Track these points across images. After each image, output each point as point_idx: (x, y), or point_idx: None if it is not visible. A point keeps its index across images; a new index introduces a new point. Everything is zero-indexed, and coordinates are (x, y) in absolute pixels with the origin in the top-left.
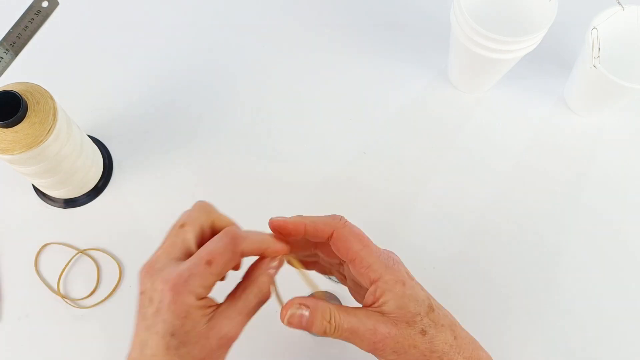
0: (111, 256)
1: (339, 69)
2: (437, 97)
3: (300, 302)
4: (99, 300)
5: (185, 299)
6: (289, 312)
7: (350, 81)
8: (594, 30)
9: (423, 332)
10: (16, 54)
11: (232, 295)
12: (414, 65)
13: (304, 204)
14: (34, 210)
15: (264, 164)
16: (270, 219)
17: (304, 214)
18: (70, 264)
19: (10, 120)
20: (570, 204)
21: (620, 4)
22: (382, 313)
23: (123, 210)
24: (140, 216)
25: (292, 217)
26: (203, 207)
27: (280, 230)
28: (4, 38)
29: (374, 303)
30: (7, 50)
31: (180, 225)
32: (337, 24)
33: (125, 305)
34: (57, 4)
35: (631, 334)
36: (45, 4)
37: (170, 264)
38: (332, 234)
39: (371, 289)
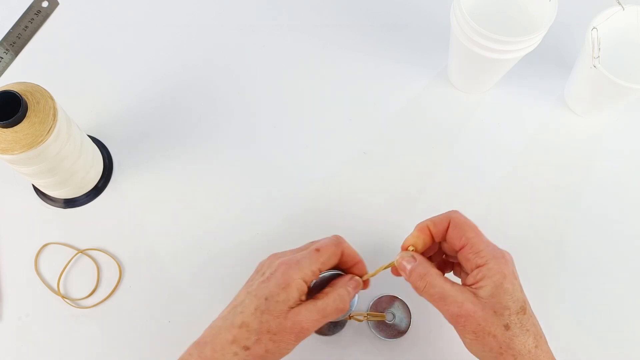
0: (111, 256)
1: (339, 69)
2: (437, 97)
3: (413, 254)
4: (99, 300)
5: (292, 274)
6: (401, 254)
7: (350, 81)
8: (594, 30)
9: (507, 327)
10: (16, 54)
11: (316, 296)
12: (414, 65)
13: (304, 204)
14: (34, 210)
15: (264, 163)
16: (396, 262)
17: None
18: (70, 264)
19: (10, 120)
20: (570, 204)
21: (620, 4)
22: (476, 295)
23: (123, 210)
24: (140, 216)
25: (416, 228)
26: (337, 240)
27: (415, 242)
28: (4, 38)
29: (472, 284)
30: (7, 50)
31: (316, 249)
32: (337, 24)
33: (125, 305)
34: (57, 4)
35: (632, 334)
36: (45, 4)
37: (291, 255)
38: (449, 223)
39: (474, 272)
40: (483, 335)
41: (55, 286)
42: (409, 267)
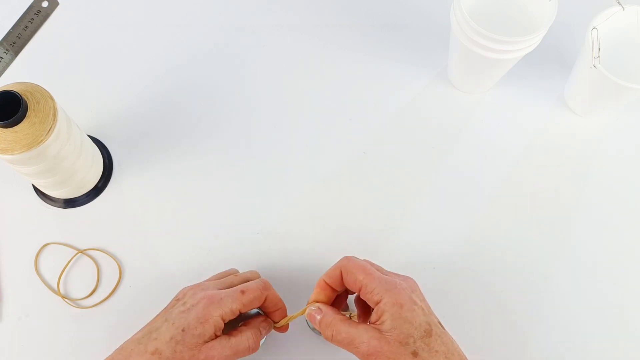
0: (111, 256)
1: (339, 69)
2: (437, 97)
3: (319, 306)
4: (99, 300)
5: (212, 311)
6: (309, 308)
7: (350, 81)
8: (594, 30)
9: (414, 354)
10: (16, 54)
11: (230, 333)
12: (414, 66)
13: (304, 204)
14: (34, 210)
15: (263, 163)
16: (310, 305)
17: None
18: (70, 264)
19: (10, 120)
20: (570, 203)
21: (620, 4)
22: (380, 330)
23: (123, 210)
24: (140, 216)
25: (316, 288)
26: (265, 287)
27: (318, 298)
28: (4, 38)
29: (376, 322)
30: (7, 50)
31: (242, 291)
32: (337, 24)
33: (125, 305)
34: (57, 4)
35: (632, 334)
36: (45, 4)
37: (215, 290)
38: (341, 272)
39: (375, 309)
40: None
41: (55, 286)
42: (318, 317)
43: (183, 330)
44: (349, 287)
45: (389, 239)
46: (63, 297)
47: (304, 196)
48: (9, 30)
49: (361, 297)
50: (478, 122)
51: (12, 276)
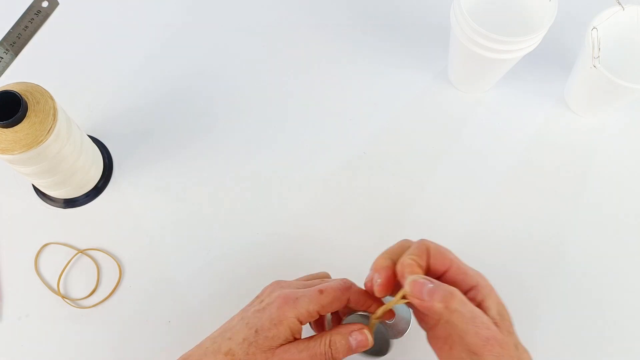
0: (111, 256)
1: (339, 69)
2: (437, 97)
3: (424, 276)
4: (99, 300)
5: (287, 312)
6: (414, 277)
7: (350, 81)
8: (594, 30)
9: (516, 346)
10: (16, 54)
11: (309, 337)
12: (414, 66)
13: (304, 204)
14: (34, 210)
15: (263, 164)
16: (409, 283)
17: (383, 250)
18: (70, 264)
19: (10, 120)
20: (570, 203)
21: (620, 4)
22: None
23: (123, 210)
24: (140, 216)
25: (378, 261)
26: (345, 286)
27: (389, 282)
28: (4, 38)
29: (479, 306)
30: (7, 50)
31: (320, 290)
32: (337, 24)
33: (125, 305)
34: (57, 4)
35: (633, 333)
36: (45, 4)
37: (293, 289)
38: (429, 251)
39: (471, 294)
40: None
41: (55, 286)
42: (429, 285)
43: (256, 332)
44: (434, 267)
45: (389, 239)
46: (63, 297)
47: (304, 196)
48: (9, 30)
49: (450, 276)
50: (478, 122)
51: (12, 276)
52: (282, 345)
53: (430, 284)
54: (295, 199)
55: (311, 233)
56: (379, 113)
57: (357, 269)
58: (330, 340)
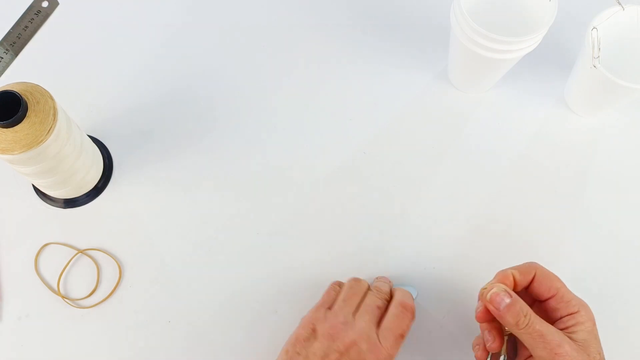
0: (111, 256)
1: (339, 69)
2: (437, 97)
3: (506, 289)
4: (99, 300)
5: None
6: (495, 289)
7: (350, 81)
8: (594, 30)
9: None
10: (16, 54)
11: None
12: (413, 65)
13: (304, 204)
14: (34, 210)
15: (263, 164)
16: (490, 293)
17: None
18: (70, 264)
19: (10, 120)
20: (570, 203)
21: (620, 4)
22: (571, 338)
23: (123, 210)
24: (140, 216)
25: (496, 277)
26: (409, 307)
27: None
28: (4, 38)
29: (564, 329)
30: (7, 50)
31: (400, 335)
32: (337, 24)
33: (125, 305)
34: (57, 4)
35: (633, 333)
36: (45, 4)
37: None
38: (534, 275)
39: (565, 319)
40: None
41: (55, 286)
42: (507, 300)
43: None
44: (537, 292)
45: (389, 239)
46: (63, 297)
47: (304, 196)
48: (9, 30)
49: (552, 303)
50: (478, 122)
51: (12, 276)
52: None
53: (509, 298)
54: (295, 199)
55: (311, 233)
56: (378, 113)
57: (358, 269)
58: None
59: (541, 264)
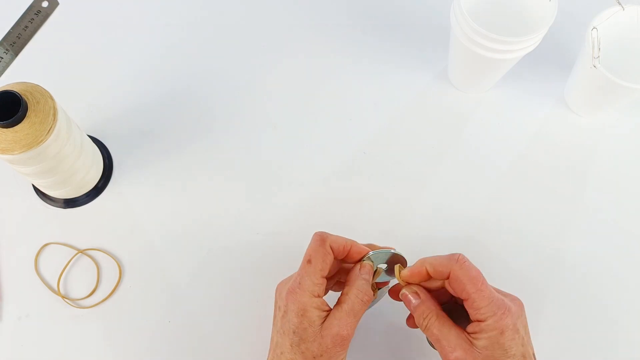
0: (111, 256)
1: (339, 69)
2: (437, 97)
3: (417, 289)
4: (99, 300)
5: (300, 297)
6: (403, 290)
7: (350, 81)
8: (594, 30)
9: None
10: (16, 54)
11: (339, 300)
12: (414, 65)
13: (304, 203)
14: (34, 210)
15: (263, 163)
16: (400, 293)
17: (426, 256)
18: (70, 264)
19: (10, 120)
20: (570, 203)
21: (620, 4)
22: (472, 343)
23: (123, 210)
24: (140, 216)
25: (415, 264)
26: (320, 238)
27: (410, 280)
28: (4, 38)
29: (471, 333)
30: (7, 50)
31: (308, 261)
32: (337, 24)
33: (125, 305)
34: (57, 4)
35: (633, 332)
36: (45, 4)
37: (292, 279)
38: (449, 275)
39: (473, 324)
40: None
41: (55, 286)
42: (414, 302)
43: (294, 332)
44: (451, 292)
45: (389, 239)
46: (63, 297)
47: (304, 196)
48: (9, 30)
49: (465, 307)
50: (478, 122)
51: (12, 276)
52: (322, 324)
53: (416, 300)
54: (295, 199)
55: (311, 233)
56: (379, 113)
57: None
58: (356, 290)
59: (541, 263)
